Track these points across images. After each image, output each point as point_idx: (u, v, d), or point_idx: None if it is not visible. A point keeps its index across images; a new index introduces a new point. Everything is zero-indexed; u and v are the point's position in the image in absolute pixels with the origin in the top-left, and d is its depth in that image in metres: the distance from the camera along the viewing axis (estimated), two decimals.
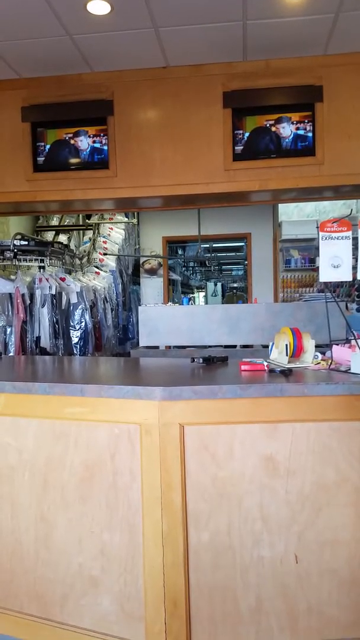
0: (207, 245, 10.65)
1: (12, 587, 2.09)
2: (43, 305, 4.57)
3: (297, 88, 3.54)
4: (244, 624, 1.85)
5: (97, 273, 6.56)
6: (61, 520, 1.98)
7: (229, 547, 1.85)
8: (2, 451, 2.06)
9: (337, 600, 1.84)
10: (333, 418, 1.81)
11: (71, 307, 4.93)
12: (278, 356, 2.22)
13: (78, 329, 4.93)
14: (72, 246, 7.46)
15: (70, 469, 1.95)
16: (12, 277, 4.71)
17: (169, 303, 7.67)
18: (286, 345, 2.14)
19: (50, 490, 1.99)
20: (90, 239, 7.63)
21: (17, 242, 4.76)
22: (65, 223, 7.97)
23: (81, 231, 8.14)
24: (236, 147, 3.59)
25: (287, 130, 3.54)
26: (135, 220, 8.42)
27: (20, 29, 3.16)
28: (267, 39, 3.33)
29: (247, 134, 3.57)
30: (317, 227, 1.96)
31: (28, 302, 4.51)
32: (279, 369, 2.04)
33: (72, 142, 3.72)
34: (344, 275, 1.98)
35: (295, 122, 3.54)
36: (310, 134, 3.53)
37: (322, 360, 2.18)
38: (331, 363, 2.09)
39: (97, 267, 6.75)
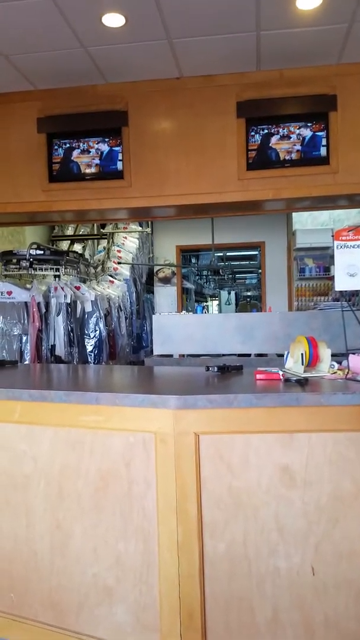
0: (221, 254, 10.65)
1: (27, 596, 2.09)
2: (58, 314, 4.60)
3: (311, 97, 3.54)
4: (260, 636, 1.83)
5: (112, 282, 6.60)
6: (76, 529, 1.98)
7: (244, 558, 1.83)
8: (18, 459, 2.07)
9: (354, 613, 1.81)
10: (350, 428, 1.79)
11: (86, 316, 4.96)
12: (293, 365, 2.21)
13: (92, 338, 4.96)
14: (86, 255, 7.52)
15: (86, 478, 1.96)
16: (28, 285, 4.76)
17: (183, 311, 7.68)
18: (302, 354, 2.12)
19: (65, 498, 1.99)
20: (104, 248, 7.68)
21: (32, 252, 4.81)
22: (80, 232, 8.04)
23: (96, 240, 8.20)
24: (250, 157, 3.60)
25: (300, 139, 3.54)
26: (149, 230, 8.46)
27: (36, 42, 3.21)
28: (281, 49, 3.34)
29: (260, 144, 3.58)
30: (332, 236, 1.95)
31: (44, 310, 4.55)
32: (294, 378, 2.03)
33: (87, 152, 3.76)
34: None
35: (309, 131, 3.54)
36: (324, 143, 3.53)
37: (338, 369, 2.16)
38: (348, 372, 2.08)
39: (111, 276, 6.79)
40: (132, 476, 1.89)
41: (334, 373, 2.13)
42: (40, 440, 2.03)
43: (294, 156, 3.56)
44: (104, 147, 3.74)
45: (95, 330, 4.97)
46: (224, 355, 4.17)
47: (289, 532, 1.82)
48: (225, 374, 2.37)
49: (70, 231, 8.04)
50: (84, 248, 7.96)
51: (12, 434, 2.07)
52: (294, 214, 7.42)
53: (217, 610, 1.85)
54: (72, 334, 4.68)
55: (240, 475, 1.82)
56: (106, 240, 7.71)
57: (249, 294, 14.65)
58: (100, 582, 1.96)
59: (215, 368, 2.40)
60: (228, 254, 11.16)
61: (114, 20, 2.99)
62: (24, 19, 2.97)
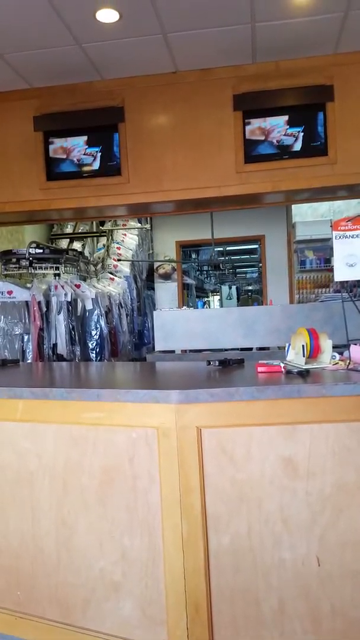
0: (221, 249, 10.64)
1: (34, 593, 2.10)
2: (59, 312, 4.60)
3: (307, 88, 3.52)
4: (267, 628, 1.84)
5: (112, 279, 6.60)
6: (81, 524, 1.99)
7: (249, 550, 1.84)
8: (22, 456, 2.07)
9: None
10: (352, 418, 1.79)
11: (87, 314, 4.96)
12: (295, 357, 2.21)
13: (94, 335, 4.96)
14: (86, 253, 7.52)
15: (90, 473, 1.96)
16: (28, 285, 4.76)
17: (184, 307, 7.67)
18: (303, 346, 2.12)
19: (70, 494, 2.00)
20: (104, 245, 7.69)
21: (32, 251, 4.82)
22: (79, 230, 8.03)
23: (95, 238, 8.20)
24: (247, 150, 3.59)
25: (298, 131, 3.53)
26: (148, 226, 8.45)
27: (30, 40, 3.20)
28: (276, 41, 3.32)
29: (258, 136, 3.56)
30: (331, 227, 1.95)
31: (44, 309, 4.55)
32: (296, 370, 2.02)
33: (84, 149, 3.75)
34: None
35: (306, 123, 3.52)
36: (322, 134, 3.51)
37: (339, 360, 2.16)
38: (349, 363, 2.07)
39: (111, 273, 6.79)
40: (135, 471, 1.90)
41: (336, 364, 2.13)
42: (44, 438, 2.03)
43: (292, 148, 3.54)
44: (101, 144, 3.73)
45: (97, 328, 4.97)
46: (226, 349, 4.17)
47: (293, 523, 1.82)
48: (226, 367, 2.37)
49: (69, 229, 8.03)
50: (83, 246, 7.95)
51: (16, 431, 2.08)
52: (293, 206, 7.40)
53: (223, 603, 1.85)
54: (73, 332, 4.68)
55: (243, 468, 1.83)
56: (105, 238, 7.71)
57: (250, 288, 14.61)
58: (106, 577, 1.96)
59: (217, 362, 2.40)
60: (228, 248, 11.14)
61: (108, 16, 2.98)
62: (17, 17, 2.95)
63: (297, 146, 3.53)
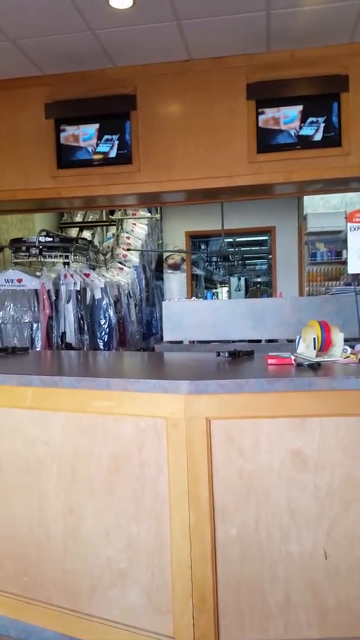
0: (231, 240, 10.59)
1: (40, 579, 2.11)
2: (68, 301, 4.61)
3: (322, 78, 3.47)
4: (272, 619, 1.84)
5: (121, 269, 6.59)
6: (89, 512, 2.00)
7: (256, 541, 1.83)
8: (31, 444, 2.08)
9: None
10: None
11: (95, 303, 4.96)
12: (305, 350, 2.19)
13: (102, 325, 4.96)
14: (95, 242, 7.51)
15: (98, 462, 1.96)
16: (38, 273, 4.77)
17: (193, 298, 7.65)
18: (314, 338, 2.11)
19: (78, 482, 2.01)
20: (113, 234, 7.67)
21: (42, 239, 4.82)
22: (89, 219, 8.02)
23: (105, 227, 8.18)
24: (260, 139, 3.55)
25: (311, 121, 3.48)
26: (158, 216, 8.42)
27: (42, 26, 3.18)
28: (291, 29, 3.27)
29: (271, 126, 3.52)
30: (346, 218, 1.92)
31: (54, 298, 4.56)
32: (306, 363, 2.01)
33: (95, 137, 3.73)
34: None
35: (320, 113, 3.48)
36: (336, 124, 3.47)
37: (351, 353, 2.14)
38: None
39: (120, 263, 6.78)
40: (143, 460, 1.90)
41: (347, 357, 2.11)
42: (53, 425, 2.03)
43: (305, 138, 3.50)
44: (113, 132, 3.71)
45: (105, 318, 4.97)
46: (234, 341, 4.16)
47: (301, 515, 1.81)
48: (236, 359, 2.35)
49: (79, 218, 8.02)
50: (93, 235, 7.95)
51: (25, 419, 2.08)
52: (305, 198, 7.33)
53: (229, 593, 1.85)
54: (82, 321, 4.69)
55: (252, 460, 1.82)
56: (115, 227, 7.69)
57: (259, 280, 14.57)
58: (113, 565, 1.97)
59: (226, 353, 2.38)
60: (238, 239, 11.08)
61: (122, 1, 2.95)
62: (29, 3, 2.93)
63: (311, 137, 3.49)
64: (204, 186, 3.71)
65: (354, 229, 1.89)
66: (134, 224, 7.71)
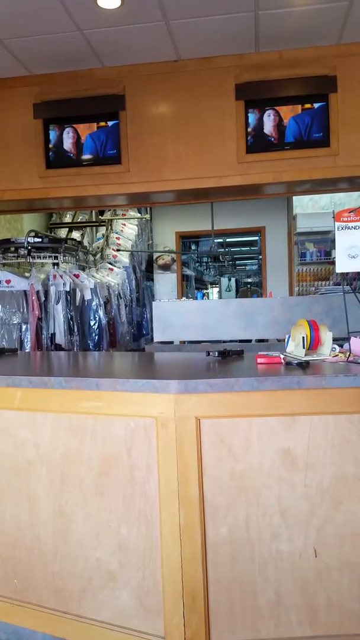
0: (221, 240, 10.60)
1: (31, 581, 2.10)
2: (57, 302, 4.59)
3: (310, 79, 3.49)
4: (263, 618, 1.84)
5: (111, 269, 6.58)
6: (79, 514, 1.99)
7: (247, 541, 1.83)
8: (20, 445, 2.06)
9: (357, 595, 1.82)
10: (352, 410, 1.78)
11: (85, 304, 4.95)
12: (295, 349, 2.20)
13: (92, 325, 4.95)
14: (85, 243, 7.48)
15: (88, 463, 1.95)
16: (27, 274, 4.74)
17: (183, 298, 7.65)
18: (303, 337, 2.11)
19: (67, 484, 1.99)
20: (103, 235, 7.65)
21: (31, 239, 4.79)
22: (79, 220, 7.99)
23: (94, 227, 8.15)
24: (249, 140, 3.56)
25: (300, 122, 3.50)
26: (148, 216, 8.41)
27: (30, 26, 3.16)
28: (280, 30, 3.29)
29: (260, 126, 3.53)
30: (333, 217, 1.93)
31: (43, 299, 4.54)
32: (295, 362, 2.01)
33: (83, 137, 3.72)
34: None
35: (309, 114, 3.49)
36: (324, 125, 3.48)
37: (339, 352, 2.15)
38: (349, 355, 2.06)
39: (110, 264, 6.76)
40: (133, 461, 1.89)
41: (336, 356, 2.12)
42: (42, 427, 2.02)
43: (293, 139, 3.51)
44: (101, 132, 3.70)
45: (95, 318, 4.96)
46: (225, 341, 4.16)
47: (291, 515, 1.82)
48: (226, 358, 2.35)
49: (68, 218, 7.99)
50: (82, 235, 7.91)
51: (14, 420, 2.07)
52: (294, 198, 7.36)
53: (220, 594, 1.85)
54: (72, 322, 4.67)
55: (242, 459, 1.82)
56: (105, 228, 7.67)
57: (249, 280, 14.59)
58: (103, 567, 1.96)
59: (216, 353, 2.38)
60: (228, 240, 11.10)
61: (109, 1, 2.94)
62: (17, 2, 2.91)
63: (300, 137, 3.51)
64: (194, 186, 3.72)
65: (342, 228, 1.90)
66: (124, 225, 7.70)
